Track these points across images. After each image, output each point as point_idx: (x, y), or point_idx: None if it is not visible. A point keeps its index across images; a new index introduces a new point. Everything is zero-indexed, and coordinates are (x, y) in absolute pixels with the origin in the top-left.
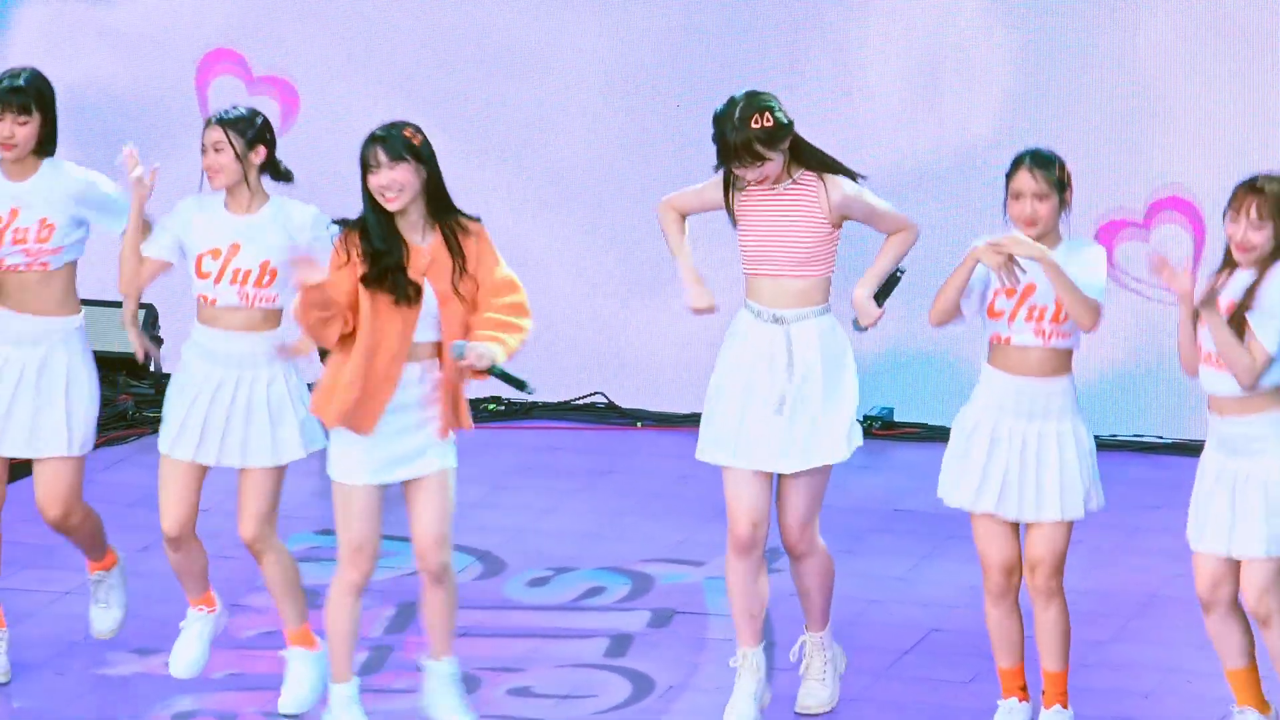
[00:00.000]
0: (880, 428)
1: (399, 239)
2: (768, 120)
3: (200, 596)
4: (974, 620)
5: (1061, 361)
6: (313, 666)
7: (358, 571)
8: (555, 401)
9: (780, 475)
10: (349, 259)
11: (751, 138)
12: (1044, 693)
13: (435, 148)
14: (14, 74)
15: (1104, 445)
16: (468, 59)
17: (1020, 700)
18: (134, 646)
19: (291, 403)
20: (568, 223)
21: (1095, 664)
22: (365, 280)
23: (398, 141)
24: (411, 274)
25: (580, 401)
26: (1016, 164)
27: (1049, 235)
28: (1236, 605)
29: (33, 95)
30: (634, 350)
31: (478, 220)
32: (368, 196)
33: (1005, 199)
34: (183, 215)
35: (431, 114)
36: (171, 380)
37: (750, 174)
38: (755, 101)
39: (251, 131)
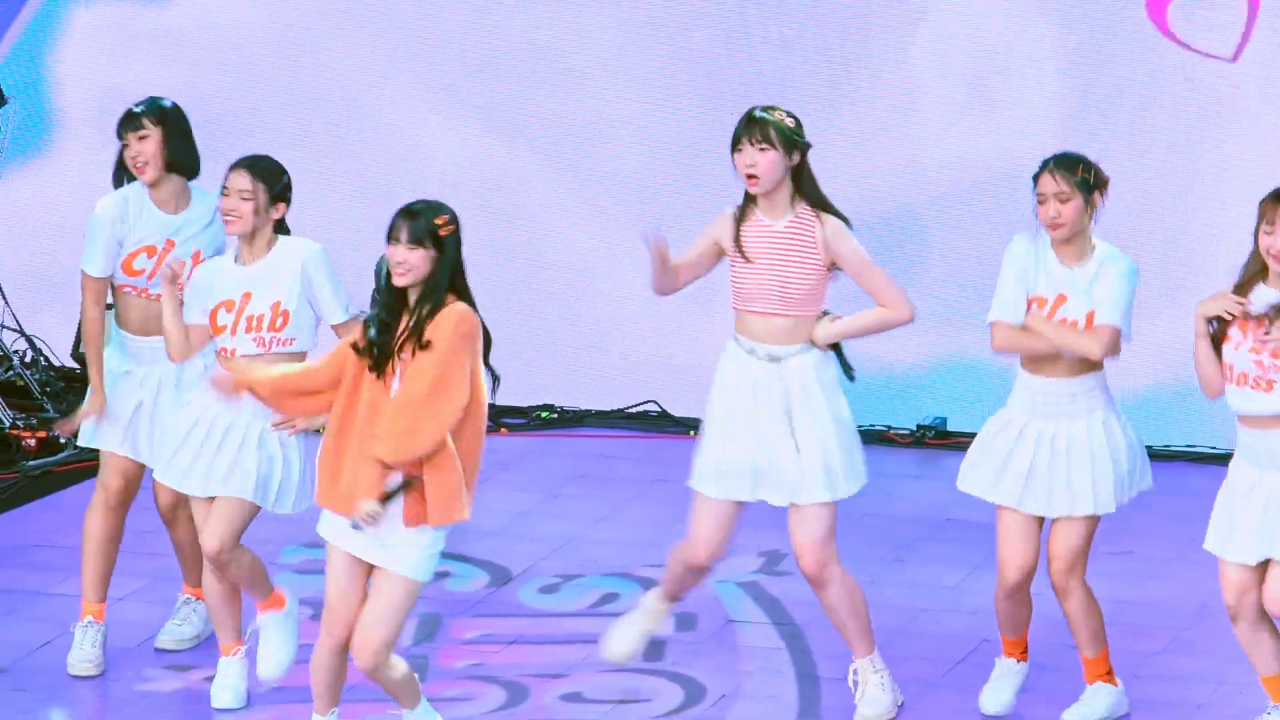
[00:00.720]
0: (933, 437)
1: (400, 312)
2: (789, 119)
3: (267, 599)
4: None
5: (1090, 363)
6: (282, 625)
7: (330, 636)
8: (608, 410)
9: (791, 506)
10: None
11: (770, 119)
12: (1085, 672)
13: (485, 154)
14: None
15: (1157, 456)
16: (516, 65)
17: (1018, 660)
18: (173, 663)
19: (287, 455)
20: (619, 230)
21: (1148, 676)
22: (355, 348)
23: (422, 225)
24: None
25: (633, 410)
26: (1041, 168)
27: (1079, 238)
28: (1264, 612)
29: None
30: (687, 358)
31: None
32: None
33: (1034, 205)
34: (200, 280)
35: (481, 119)
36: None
37: (747, 158)
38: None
39: (279, 186)
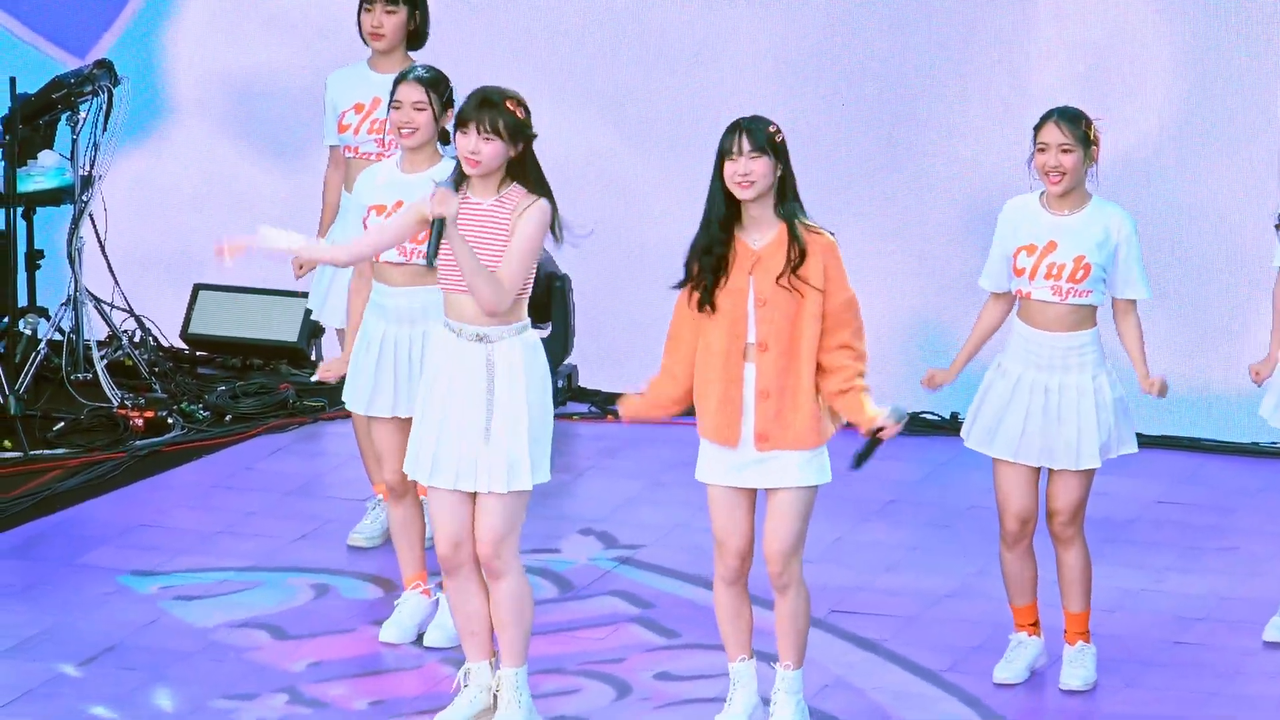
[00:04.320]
0: None
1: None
2: (520, 109)
3: (415, 573)
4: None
5: (1082, 317)
6: (419, 605)
7: (723, 565)
8: None
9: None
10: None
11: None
12: (1066, 631)
13: (599, 142)
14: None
15: (1258, 453)
16: (628, 52)
17: (1030, 634)
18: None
19: None
20: None
21: (1253, 672)
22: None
23: (759, 133)
24: (735, 274)
25: None
26: (1045, 119)
27: (1077, 190)
28: None
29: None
30: None
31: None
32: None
33: (1031, 154)
34: (362, 185)
35: (592, 106)
36: (356, 341)
37: (470, 144)
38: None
39: (448, 92)
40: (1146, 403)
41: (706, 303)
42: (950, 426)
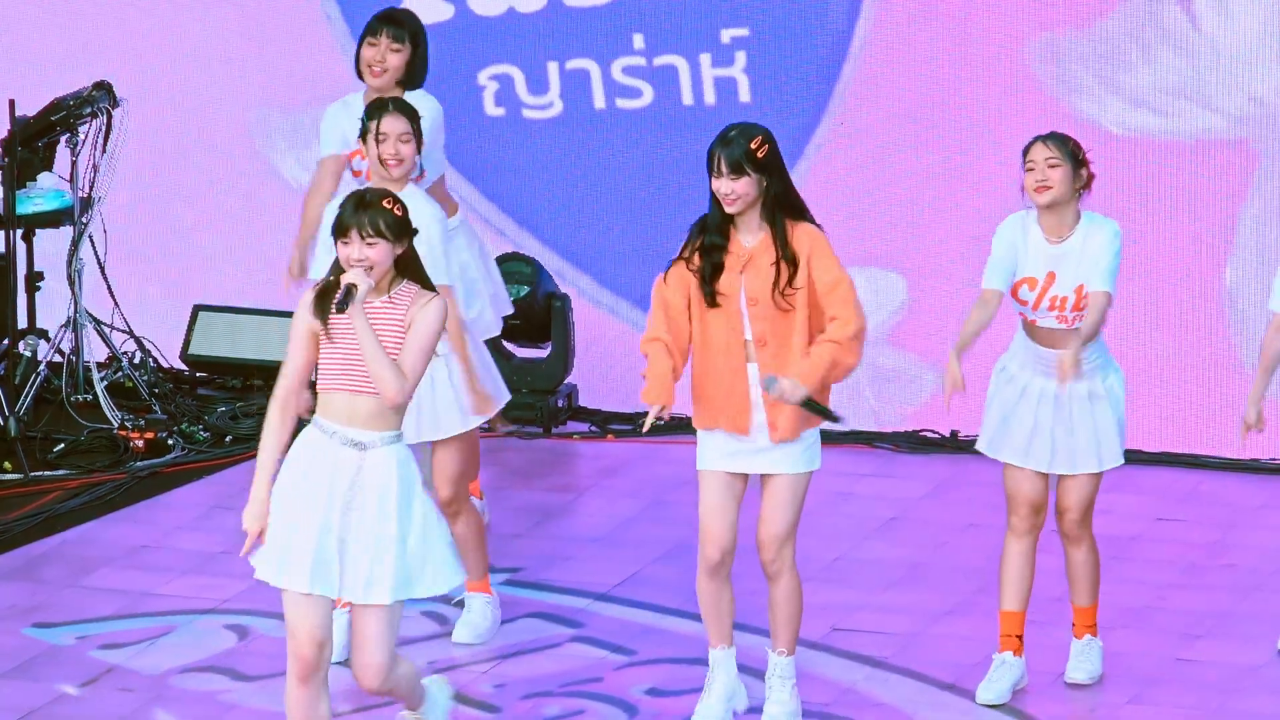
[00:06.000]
0: None
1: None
2: (398, 208)
3: (478, 581)
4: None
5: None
6: (490, 603)
7: (705, 557)
8: None
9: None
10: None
11: (381, 212)
12: (1074, 625)
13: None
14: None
15: (1259, 469)
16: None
17: (1015, 654)
18: None
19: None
20: None
21: (1255, 688)
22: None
23: (738, 151)
24: (728, 274)
25: None
26: (1031, 142)
27: (1065, 209)
28: None
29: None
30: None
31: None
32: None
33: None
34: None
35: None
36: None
37: (356, 252)
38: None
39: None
40: (1148, 420)
41: (709, 296)
42: (950, 444)
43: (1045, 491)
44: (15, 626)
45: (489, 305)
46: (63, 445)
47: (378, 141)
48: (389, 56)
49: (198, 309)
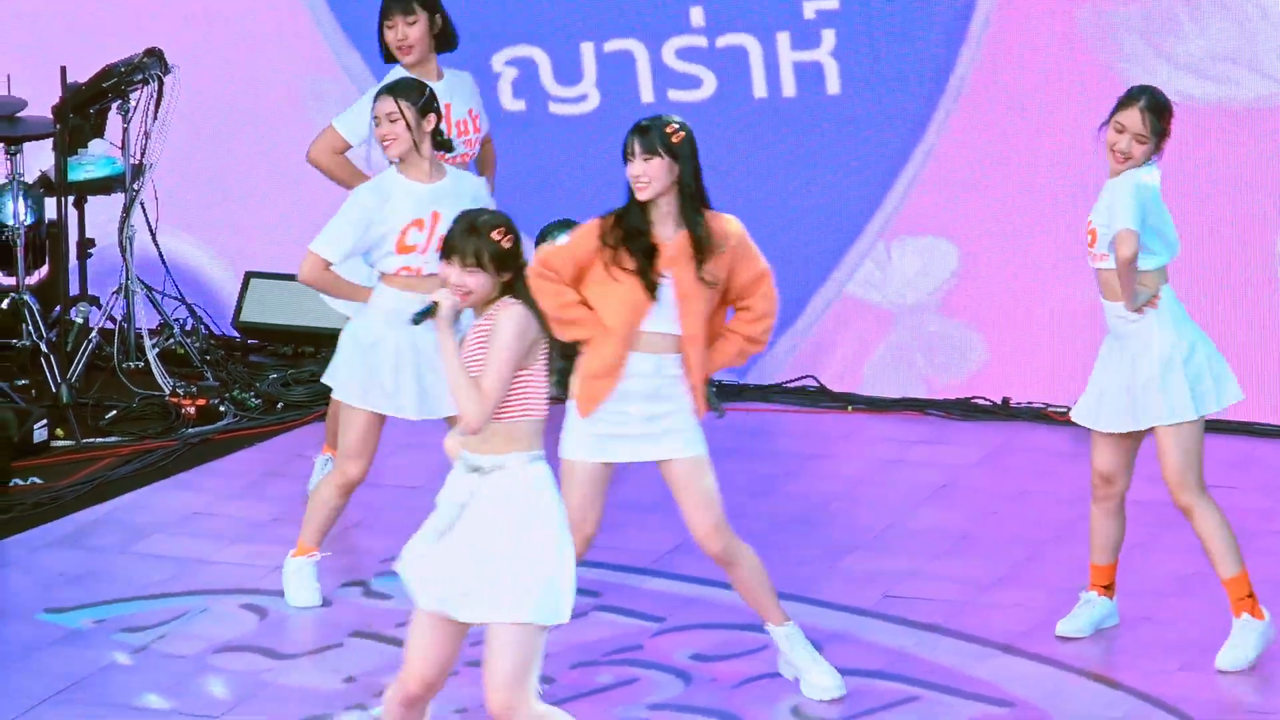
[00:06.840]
0: None
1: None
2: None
3: None
4: (1186, 608)
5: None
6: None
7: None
8: (766, 384)
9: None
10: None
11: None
12: (1231, 602)
13: None
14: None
15: None
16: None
17: (1100, 594)
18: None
19: None
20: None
21: None
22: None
23: (656, 135)
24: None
25: (791, 385)
26: (1130, 102)
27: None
28: None
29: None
30: (845, 336)
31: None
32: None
33: (1105, 124)
34: (364, 208)
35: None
36: (354, 340)
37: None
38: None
39: (421, 100)
40: None
41: (649, 288)
42: (1002, 411)
43: (1122, 462)
44: (66, 597)
45: None
46: (114, 412)
47: (375, 124)
48: (408, 32)
49: (249, 276)
